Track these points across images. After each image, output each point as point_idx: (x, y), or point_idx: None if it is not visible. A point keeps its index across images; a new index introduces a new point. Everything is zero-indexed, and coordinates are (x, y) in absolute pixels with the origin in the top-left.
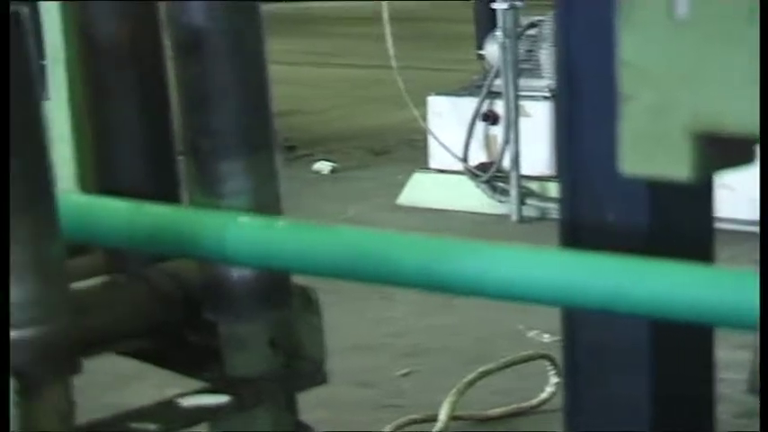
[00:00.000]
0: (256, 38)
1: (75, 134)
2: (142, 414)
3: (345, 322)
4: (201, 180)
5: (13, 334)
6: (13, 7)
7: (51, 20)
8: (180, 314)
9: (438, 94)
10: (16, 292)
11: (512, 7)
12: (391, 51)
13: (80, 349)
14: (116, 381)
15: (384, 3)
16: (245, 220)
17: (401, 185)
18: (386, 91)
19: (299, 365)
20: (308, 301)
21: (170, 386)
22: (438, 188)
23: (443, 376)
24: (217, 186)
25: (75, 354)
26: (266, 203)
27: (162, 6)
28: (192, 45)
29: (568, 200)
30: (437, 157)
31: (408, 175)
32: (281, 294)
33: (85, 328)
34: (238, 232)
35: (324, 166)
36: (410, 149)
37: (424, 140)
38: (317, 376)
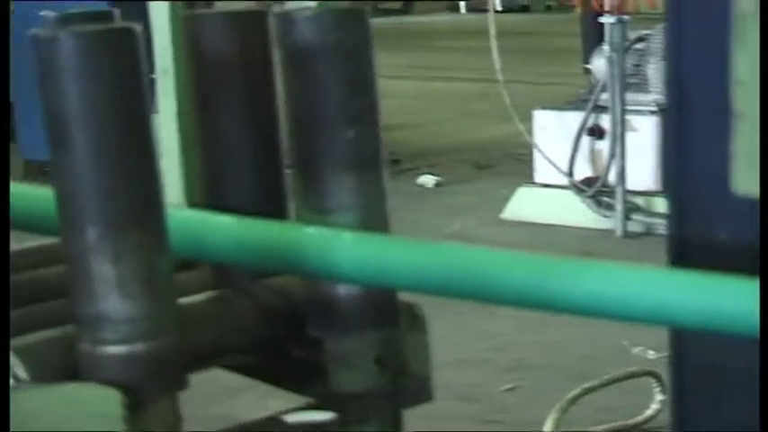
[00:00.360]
0: (366, 52)
1: (183, 146)
2: (247, 430)
3: (447, 336)
4: (309, 195)
5: (122, 349)
6: (127, 24)
7: (161, 34)
8: (285, 330)
9: (543, 108)
10: (124, 307)
11: (619, 21)
12: (497, 65)
13: (187, 364)
14: (221, 392)
15: (491, 16)
16: (352, 236)
17: (505, 200)
18: (491, 105)
19: (405, 382)
20: (415, 318)
21: (274, 398)
22: (542, 203)
23: (546, 392)
24: (324, 202)
25: (183, 369)
26: (374, 219)
27: (272, 21)
28: (301, 59)
29: (677, 217)
30: (542, 172)
31: (513, 189)
32: (387, 311)
33: (192, 343)
34: (345, 249)
35: (428, 180)
36: (515, 164)
37: (529, 155)
38: (422, 393)
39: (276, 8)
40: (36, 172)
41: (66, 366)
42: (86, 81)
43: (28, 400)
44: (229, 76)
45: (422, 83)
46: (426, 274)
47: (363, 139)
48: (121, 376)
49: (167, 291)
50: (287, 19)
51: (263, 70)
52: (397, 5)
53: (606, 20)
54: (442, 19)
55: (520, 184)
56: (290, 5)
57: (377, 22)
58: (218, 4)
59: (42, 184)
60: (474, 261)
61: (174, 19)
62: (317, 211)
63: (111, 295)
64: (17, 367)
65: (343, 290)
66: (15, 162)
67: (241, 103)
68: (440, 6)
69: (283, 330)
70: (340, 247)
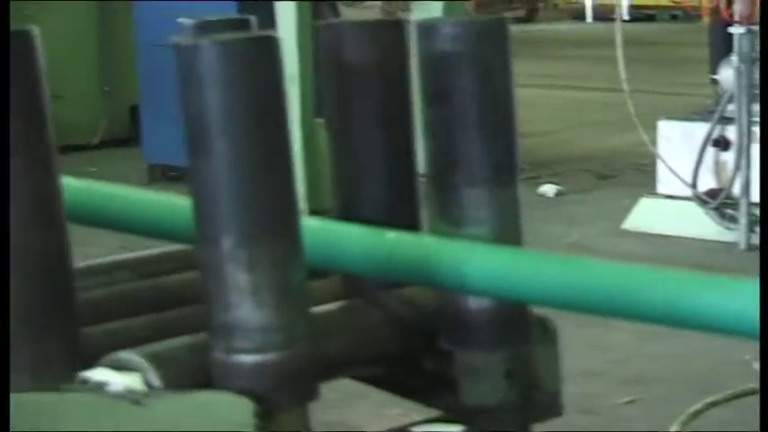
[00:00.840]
0: (506, 64)
1: (306, 153)
2: None
3: (568, 348)
4: (443, 206)
5: (255, 358)
6: (268, 32)
7: (287, 40)
8: (415, 341)
9: (668, 118)
10: (258, 316)
11: (749, 32)
12: (623, 74)
13: (318, 374)
14: (338, 399)
15: (617, 26)
16: (485, 249)
17: (626, 210)
18: (614, 114)
19: (535, 397)
20: (546, 332)
21: (391, 406)
22: (665, 214)
23: (667, 405)
24: (458, 214)
25: (314, 379)
26: (507, 232)
27: (411, 30)
28: (442, 69)
29: None
30: (665, 183)
31: (634, 199)
32: (518, 325)
33: (324, 353)
34: (478, 262)
35: (549, 189)
36: (637, 174)
37: (652, 165)
38: (552, 408)
39: (404, 16)
40: (159, 176)
41: (198, 374)
42: (228, 89)
43: (161, 407)
44: (366, 85)
45: (545, 91)
46: (559, 289)
47: (500, 151)
48: (253, 385)
49: (301, 300)
50: (429, 29)
51: (399, 80)
52: (521, 14)
53: (735, 30)
54: (566, 28)
55: (642, 195)
56: (417, 9)
57: None
58: (345, 11)
59: (165, 188)
60: (607, 276)
61: (301, 24)
62: (451, 223)
63: (245, 304)
64: (150, 373)
65: (474, 302)
66: (139, 166)
67: (376, 112)
68: (563, 15)
69: (414, 342)
70: (472, 260)
